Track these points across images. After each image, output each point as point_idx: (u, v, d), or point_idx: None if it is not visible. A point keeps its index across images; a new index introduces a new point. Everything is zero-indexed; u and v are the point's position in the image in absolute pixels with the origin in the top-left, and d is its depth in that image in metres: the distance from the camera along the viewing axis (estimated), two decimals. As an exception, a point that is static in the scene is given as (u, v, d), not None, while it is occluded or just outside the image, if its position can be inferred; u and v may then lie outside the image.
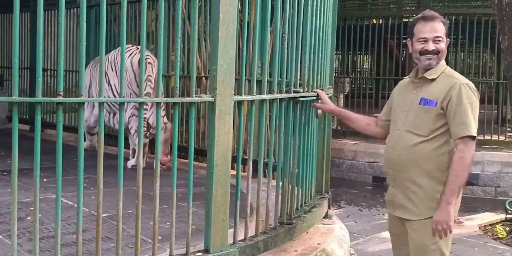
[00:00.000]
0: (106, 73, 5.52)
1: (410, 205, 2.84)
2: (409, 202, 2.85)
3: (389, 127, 3.07)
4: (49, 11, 7.93)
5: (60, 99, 2.31)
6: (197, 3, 2.73)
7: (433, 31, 2.81)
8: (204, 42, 6.17)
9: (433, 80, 2.85)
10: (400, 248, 3.05)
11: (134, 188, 2.57)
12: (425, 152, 2.79)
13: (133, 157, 5.55)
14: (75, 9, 7.49)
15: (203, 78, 6.19)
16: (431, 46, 2.81)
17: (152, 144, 5.90)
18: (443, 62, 2.89)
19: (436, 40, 2.82)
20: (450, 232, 2.73)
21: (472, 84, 2.82)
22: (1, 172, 4.93)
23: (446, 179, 2.74)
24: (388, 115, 3.11)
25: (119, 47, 5.90)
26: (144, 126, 2.67)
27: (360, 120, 3.32)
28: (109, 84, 5.59)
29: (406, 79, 3.08)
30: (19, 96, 2.25)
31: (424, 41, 2.83)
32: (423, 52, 2.84)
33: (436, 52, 2.82)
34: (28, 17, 8.38)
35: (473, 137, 2.71)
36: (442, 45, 2.83)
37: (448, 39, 2.88)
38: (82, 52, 2.35)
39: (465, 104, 2.73)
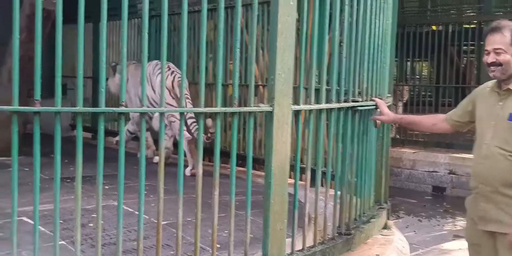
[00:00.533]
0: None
1: (506, 219, 2.77)
2: (505, 216, 2.78)
3: (459, 127, 3.14)
4: (111, 22, 8.17)
5: (122, 109, 2.37)
6: (256, 12, 2.75)
7: (494, 43, 2.78)
8: (261, 51, 6.21)
9: None
10: None
11: (193, 195, 2.60)
12: None
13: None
14: (136, 19, 7.69)
15: (260, 87, 6.22)
16: (490, 59, 2.80)
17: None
18: None
19: (496, 52, 2.77)
20: None
21: None
22: (65, 179, 5.06)
23: None
24: (462, 117, 3.11)
25: (154, 61, 6.30)
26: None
27: (424, 121, 3.31)
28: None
29: (486, 87, 3.00)
30: (82, 106, 2.32)
31: (487, 53, 2.82)
32: (486, 64, 2.84)
33: (498, 64, 2.77)
34: (91, 27, 8.66)
35: None
36: (504, 57, 2.77)
37: None
38: (144, 61, 2.41)
39: None
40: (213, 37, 6.39)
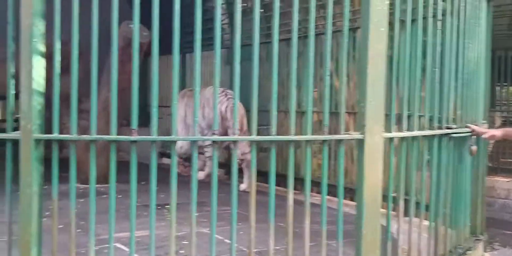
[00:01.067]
0: (204, 106, 6.23)
1: None
2: None
3: None
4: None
5: (215, 137, 2.41)
6: (346, 40, 2.73)
7: None
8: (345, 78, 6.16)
9: None
10: None
11: (279, 224, 2.57)
12: None
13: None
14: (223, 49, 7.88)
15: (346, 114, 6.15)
16: None
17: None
18: None
19: None
20: None
21: None
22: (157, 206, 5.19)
23: None
24: None
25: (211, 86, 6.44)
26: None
27: None
28: (204, 116, 6.28)
29: None
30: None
31: None
32: None
33: None
34: (181, 58, 8.98)
35: None
36: None
37: None
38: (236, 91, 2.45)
39: None
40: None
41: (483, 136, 3.49)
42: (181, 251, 3.64)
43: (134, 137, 2.31)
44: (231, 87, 7.34)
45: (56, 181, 2.39)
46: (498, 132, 3.46)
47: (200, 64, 2.48)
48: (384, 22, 2.68)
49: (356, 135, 2.67)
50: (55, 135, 2.38)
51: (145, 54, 5.37)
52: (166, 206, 4.68)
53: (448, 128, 3.21)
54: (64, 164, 2.41)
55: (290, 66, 2.63)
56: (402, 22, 3.14)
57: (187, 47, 7.81)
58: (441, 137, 3.20)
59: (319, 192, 4.56)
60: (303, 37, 5.98)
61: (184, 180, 2.40)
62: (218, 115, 5.96)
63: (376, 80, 2.67)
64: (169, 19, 2.41)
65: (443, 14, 3.26)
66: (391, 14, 2.81)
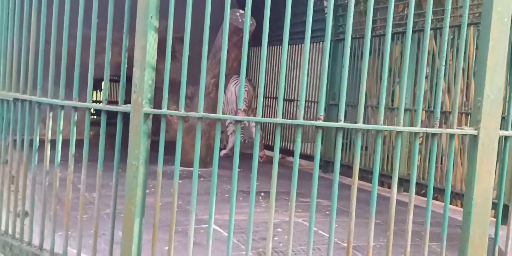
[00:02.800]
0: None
1: None
2: None
3: None
4: (294, 45, 8.41)
5: (319, 123, 2.35)
6: (465, 32, 2.58)
7: None
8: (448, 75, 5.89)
9: None
10: None
11: (377, 221, 2.48)
12: None
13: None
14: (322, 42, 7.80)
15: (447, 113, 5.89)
16: None
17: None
18: None
19: None
20: None
21: None
22: (243, 192, 5.25)
23: None
24: None
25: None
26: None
27: None
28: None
29: None
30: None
31: None
32: None
33: None
34: (279, 49, 9.02)
35: None
36: None
37: None
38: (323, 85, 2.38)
39: None
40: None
41: None
42: (275, 238, 3.64)
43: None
44: (332, 82, 7.33)
45: (161, 156, 2.44)
46: None
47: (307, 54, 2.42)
48: (508, 12, 2.50)
49: (470, 131, 2.51)
50: (164, 110, 2.45)
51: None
52: (261, 194, 4.74)
53: None
54: (165, 147, 2.46)
55: (403, 62, 2.52)
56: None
57: (276, 39, 7.87)
58: None
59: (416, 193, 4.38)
60: (417, 31, 5.85)
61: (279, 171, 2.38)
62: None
63: (496, 72, 2.49)
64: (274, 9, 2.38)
65: None
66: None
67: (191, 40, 2.44)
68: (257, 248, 3.41)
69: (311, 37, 7.82)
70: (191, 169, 2.50)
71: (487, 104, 2.49)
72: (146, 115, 2.44)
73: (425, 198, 2.57)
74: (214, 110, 3.27)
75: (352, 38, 6.65)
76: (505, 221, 2.90)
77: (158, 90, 2.31)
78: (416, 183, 4.39)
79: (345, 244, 2.83)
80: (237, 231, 3.72)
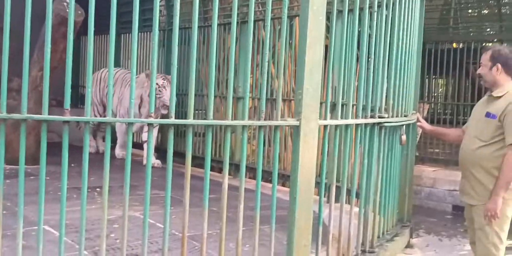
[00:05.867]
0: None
1: (473, 193, 3.53)
2: (472, 191, 3.54)
3: None
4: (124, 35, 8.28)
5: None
6: (285, 26, 2.75)
7: (481, 59, 3.66)
8: (282, 65, 6.20)
9: (499, 97, 3.51)
10: (471, 229, 3.70)
11: (213, 209, 2.57)
12: (484, 154, 3.47)
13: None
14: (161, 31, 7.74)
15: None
16: (478, 71, 3.69)
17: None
18: (510, 83, 3.55)
19: (480, 65, 3.64)
20: (497, 217, 3.37)
21: None
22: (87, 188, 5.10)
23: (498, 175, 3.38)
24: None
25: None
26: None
27: (451, 133, 4.03)
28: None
29: (485, 95, 3.75)
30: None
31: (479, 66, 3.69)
32: None
33: (480, 76, 3.64)
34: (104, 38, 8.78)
35: None
36: (483, 70, 3.61)
37: (497, 65, 3.51)
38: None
39: None
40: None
41: (418, 123, 4.15)
42: (111, 235, 3.59)
43: (67, 117, 2.25)
44: (167, 70, 7.31)
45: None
46: (428, 127, 4.08)
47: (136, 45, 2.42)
48: (323, 10, 2.71)
49: (293, 122, 2.69)
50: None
51: (78, 33, 5.19)
52: (97, 189, 4.61)
53: (380, 117, 3.30)
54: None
55: (228, 51, 2.62)
56: (339, 12, 3.19)
57: (122, 27, 7.65)
58: (374, 126, 3.28)
59: (252, 177, 4.61)
60: (241, 22, 6.03)
61: (115, 164, 2.36)
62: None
63: (313, 68, 2.70)
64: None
65: (379, 6, 3.33)
66: (329, 3, 2.84)
67: (18, 30, 2.30)
68: (93, 247, 3.35)
69: (144, 26, 7.70)
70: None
71: (307, 97, 2.69)
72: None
73: (269, 184, 2.71)
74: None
75: (185, 28, 6.73)
76: (337, 201, 3.16)
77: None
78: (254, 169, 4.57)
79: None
80: (71, 230, 3.61)
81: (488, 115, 3.52)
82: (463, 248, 6.40)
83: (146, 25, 7.60)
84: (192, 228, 3.23)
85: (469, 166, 3.56)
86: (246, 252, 2.94)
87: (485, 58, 3.62)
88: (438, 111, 11.16)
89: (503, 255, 3.49)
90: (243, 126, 2.61)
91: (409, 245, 3.99)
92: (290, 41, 5.77)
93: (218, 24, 6.47)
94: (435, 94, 17.80)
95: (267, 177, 5.43)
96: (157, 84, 6.08)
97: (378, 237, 3.49)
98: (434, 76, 12.41)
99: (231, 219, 2.65)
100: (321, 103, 2.95)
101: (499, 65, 3.56)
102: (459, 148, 3.72)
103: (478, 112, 3.66)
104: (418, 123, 4.13)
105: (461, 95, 10.35)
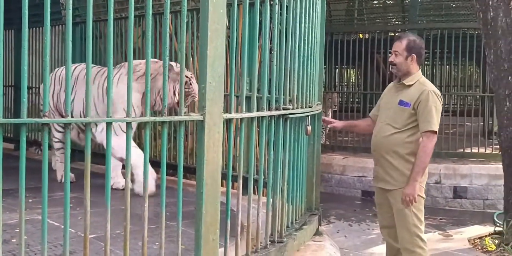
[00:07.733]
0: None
1: (388, 178, 3.69)
2: (388, 176, 3.70)
3: None
4: (34, 28, 7.89)
5: (45, 119, 2.26)
6: (185, 19, 2.71)
7: (394, 47, 3.73)
8: (191, 58, 6.15)
9: (410, 86, 3.67)
10: (382, 213, 3.91)
11: (121, 207, 2.51)
12: (398, 140, 3.64)
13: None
14: (60, 26, 7.45)
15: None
16: (390, 59, 3.75)
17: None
18: (419, 72, 3.74)
19: (394, 54, 3.71)
20: (415, 202, 3.54)
21: (438, 91, 3.66)
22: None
23: (414, 161, 3.56)
24: (378, 111, 3.93)
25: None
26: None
27: (361, 124, 4.25)
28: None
29: (392, 83, 3.91)
30: (3, 115, 2.19)
31: (390, 54, 3.78)
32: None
33: (394, 64, 3.71)
34: (13, 34, 8.33)
35: (434, 131, 3.56)
36: (398, 59, 3.69)
37: (413, 55, 3.67)
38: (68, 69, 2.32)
39: (430, 106, 3.56)
40: (141, 44, 6.30)
41: (329, 125, 4.29)
42: (13, 240, 3.44)
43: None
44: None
45: None
46: (339, 124, 4.23)
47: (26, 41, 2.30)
48: (223, 3, 2.69)
49: (196, 117, 2.66)
50: None
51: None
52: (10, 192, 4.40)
53: (285, 109, 3.34)
54: None
55: (128, 45, 2.55)
56: (240, 5, 3.18)
57: (14, 23, 7.29)
58: (279, 118, 3.31)
59: (172, 174, 4.54)
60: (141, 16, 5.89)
61: (16, 166, 2.24)
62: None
63: (215, 61, 2.68)
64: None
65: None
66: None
67: None
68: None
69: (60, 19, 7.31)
70: None
71: (210, 91, 2.67)
72: None
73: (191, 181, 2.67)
74: None
75: (93, 21, 6.50)
76: (245, 192, 3.17)
77: None
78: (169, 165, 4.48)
79: (91, 236, 2.81)
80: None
81: (401, 103, 3.65)
82: (372, 232, 6.66)
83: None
84: (99, 228, 3.15)
85: (383, 152, 3.69)
86: (155, 250, 2.90)
87: (401, 47, 3.69)
88: (348, 100, 11.50)
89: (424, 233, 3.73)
90: (145, 123, 2.56)
91: (318, 233, 4.08)
92: (198, 34, 5.72)
93: (118, 18, 6.39)
94: (344, 83, 18.38)
95: (185, 173, 5.37)
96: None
97: (287, 226, 3.54)
98: (342, 66, 12.76)
99: (140, 217, 2.60)
100: (225, 96, 2.95)
101: (414, 56, 3.69)
102: (371, 136, 3.88)
103: (389, 100, 3.78)
104: (330, 125, 4.25)
105: (367, 84, 10.73)
